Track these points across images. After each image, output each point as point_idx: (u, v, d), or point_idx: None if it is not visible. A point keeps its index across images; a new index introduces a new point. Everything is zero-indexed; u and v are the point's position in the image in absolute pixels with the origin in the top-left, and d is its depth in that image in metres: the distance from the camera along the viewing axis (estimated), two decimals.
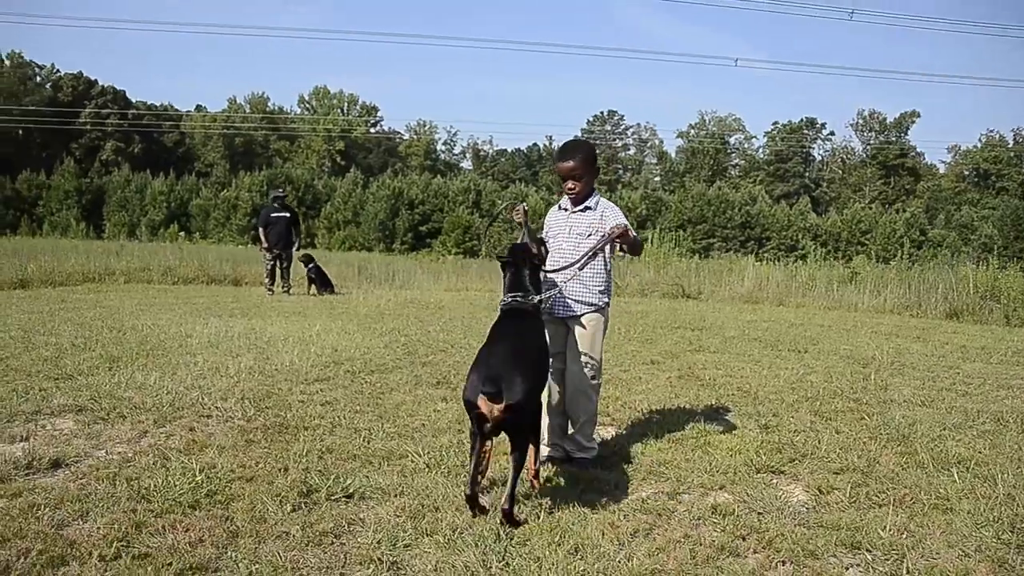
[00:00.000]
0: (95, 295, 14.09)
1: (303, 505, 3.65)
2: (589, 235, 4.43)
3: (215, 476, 3.94)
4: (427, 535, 3.35)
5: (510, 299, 4.07)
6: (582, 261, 4.27)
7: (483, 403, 3.41)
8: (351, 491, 3.85)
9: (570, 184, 4.46)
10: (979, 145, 78.43)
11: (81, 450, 4.39)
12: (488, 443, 3.57)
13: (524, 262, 4.16)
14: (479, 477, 3.59)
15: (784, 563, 3.20)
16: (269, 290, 16.04)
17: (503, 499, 3.48)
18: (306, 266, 16.81)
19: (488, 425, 3.46)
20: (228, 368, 6.83)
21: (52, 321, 9.71)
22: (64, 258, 18.88)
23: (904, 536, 3.45)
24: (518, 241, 4.47)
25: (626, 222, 4.38)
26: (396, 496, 3.82)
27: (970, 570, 3.14)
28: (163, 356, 7.38)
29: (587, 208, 4.49)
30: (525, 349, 3.83)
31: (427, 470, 4.22)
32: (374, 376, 6.91)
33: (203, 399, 5.64)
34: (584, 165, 4.45)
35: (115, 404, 5.39)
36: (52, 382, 6.04)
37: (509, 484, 3.47)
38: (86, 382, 6.06)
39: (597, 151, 4.93)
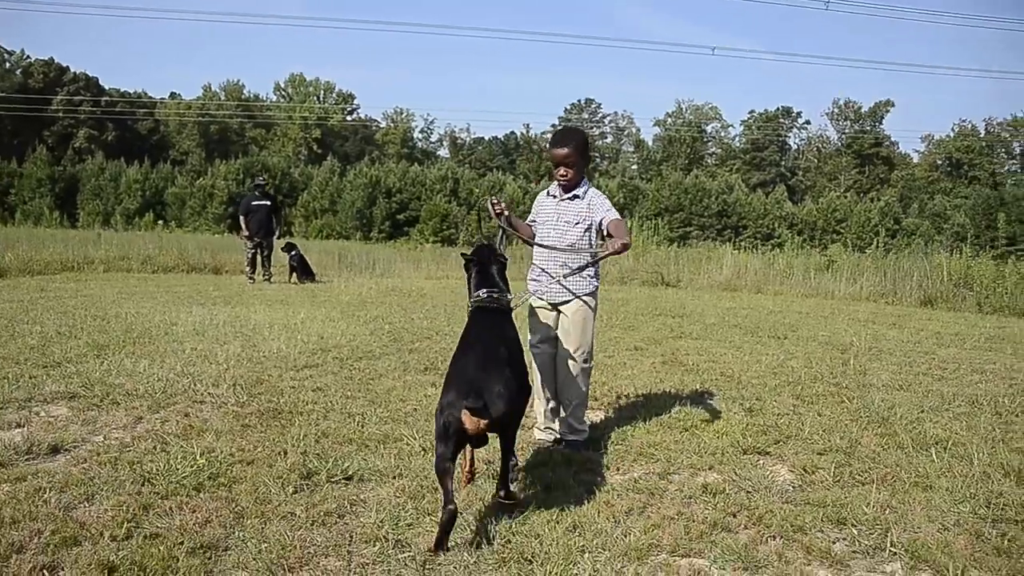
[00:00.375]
0: (75, 284, 14.01)
1: (305, 487, 3.73)
2: (577, 223, 4.52)
3: (215, 460, 4.00)
4: (428, 515, 3.44)
5: (485, 294, 3.96)
6: (574, 269, 4.39)
7: (467, 419, 3.17)
8: (350, 473, 3.93)
9: (562, 171, 4.54)
10: (952, 135, 79.43)
11: (79, 436, 4.43)
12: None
13: (491, 260, 4.12)
14: (452, 506, 3.15)
15: (774, 538, 3.32)
16: (250, 278, 16.00)
17: (497, 486, 3.56)
18: (288, 254, 16.79)
19: (473, 439, 3.30)
20: (216, 355, 6.87)
21: (34, 309, 9.68)
22: (41, 247, 18.72)
23: (887, 512, 3.60)
24: (496, 234, 4.44)
25: (616, 215, 4.49)
26: (395, 478, 3.91)
27: (949, 543, 3.28)
28: (150, 344, 7.40)
29: (576, 196, 4.58)
30: (507, 350, 3.63)
31: (423, 453, 4.31)
32: (362, 363, 6.98)
33: (195, 385, 5.69)
34: (577, 152, 4.53)
35: (107, 391, 5.42)
36: (42, 369, 6.05)
37: (501, 472, 3.54)
38: (75, 369, 6.09)
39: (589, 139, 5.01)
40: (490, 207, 4.41)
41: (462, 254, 4.24)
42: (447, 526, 3.12)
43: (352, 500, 3.60)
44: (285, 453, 4.20)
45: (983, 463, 4.30)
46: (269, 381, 6.05)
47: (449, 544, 3.13)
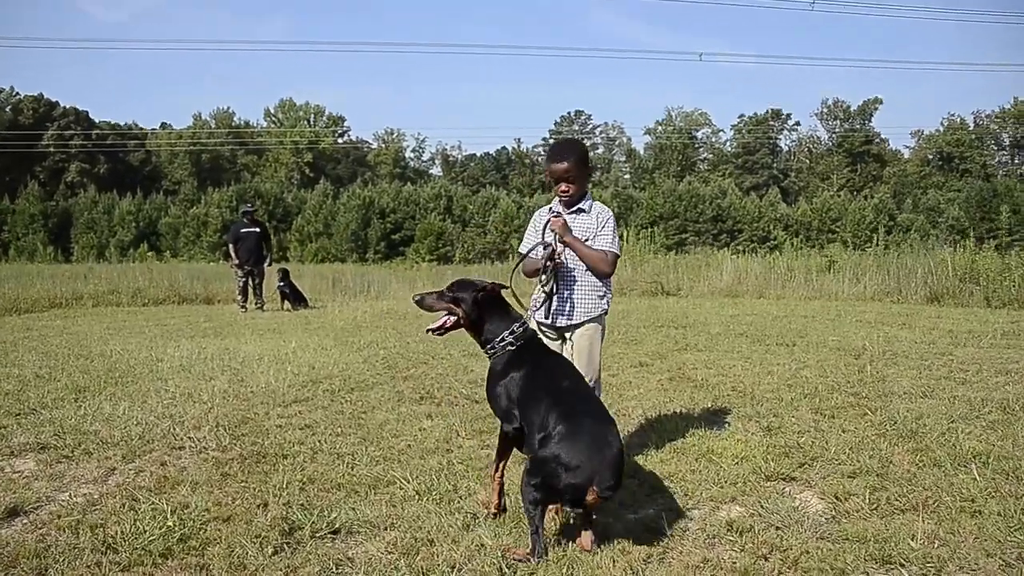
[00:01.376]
0: (62, 321, 13.64)
1: (285, 546, 3.34)
2: (586, 240, 4.17)
3: (188, 518, 3.62)
4: (423, 574, 3.06)
5: (520, 329, 3.59)
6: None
7: (593, 496, 3.08)
8: (337, 526, 3.55)
9: (563, 187, 4.19)
10: (941, 129, 79.31)
11: (42, 494, 4.05)
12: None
13: (489, 292, 3.66)
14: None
15: None
16: (242, 307, 15.66)
17: (587, 542, 3.27)
18: (280, 281, 16.46)
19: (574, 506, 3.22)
20: (201, 393, 6.52)
21: (16, 351, 9.30)
22: (29, 284, 18.39)
23: (936, 545, 3.20)
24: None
25: (616, 250, 4.18)
26: (386, 529, 3.53)
27: None
28: (132, 383, 7.04)
29: (580, 211, 4.24)
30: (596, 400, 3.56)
31: (417, 498, 3.94)
32: (354, 394, 6.62)
33: (175, 429, 5.32)
34: (578, 166, 4.18)
35: (80, 439, 5.05)
36: (13, 418, 5.68)
37: (590, 530, 3.30)
38: (50, 416, 5.72)
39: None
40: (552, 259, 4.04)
41: (451, 299, 3.70)
42: None
43: (337, 559, 3.21)
44: (266, 505, 3.82)
45: None
46: (255, 420, 5.68)
47: None
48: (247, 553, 3.24)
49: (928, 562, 3.06)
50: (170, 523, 3.52)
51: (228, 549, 3.28)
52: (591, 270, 4.18)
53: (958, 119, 79.02)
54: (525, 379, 3.49)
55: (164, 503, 3.81)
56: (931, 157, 79.72)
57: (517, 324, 3.61)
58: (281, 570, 3.11)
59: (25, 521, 3.69)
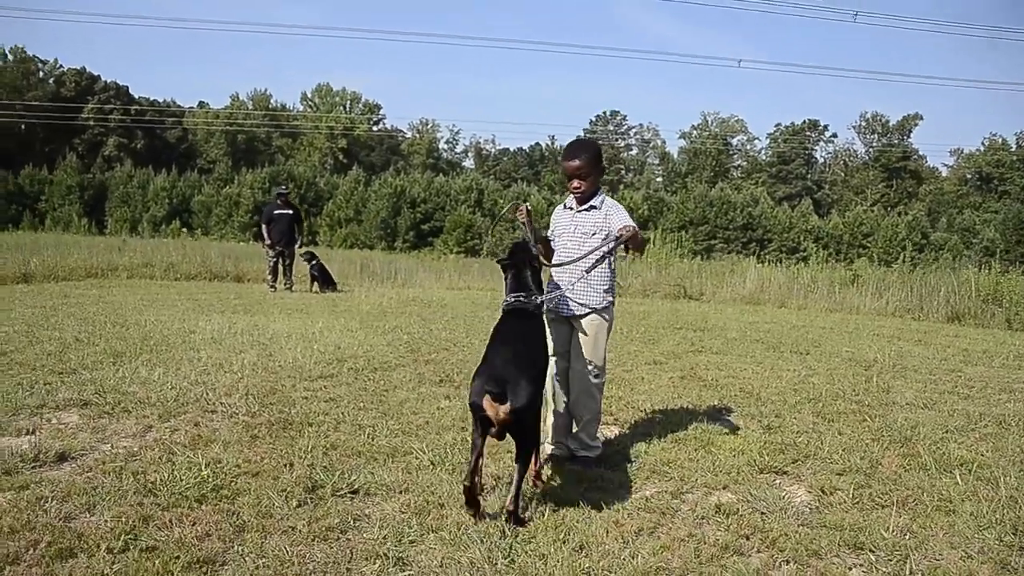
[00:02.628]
0: (98, 291, 14.09)
1: (309, 500, 3.67)
2: (594, 234, 4.44)
3: (220, 471, 3.96)
4: (432, 531, 3.37)
5: (513, 299, 4.08)
6: (591, 264, 4.26)
7: (488, 404, 3.42)
8: (356, 487, 3.87)
9: (575, 183, 4.47)
10: (982, 148, 78.38)
11: (87, 444, 4.41)
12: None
13: (525, 263, 4.19)
14: (476, 478, 3.60)
15: (788, 562, 3.22)
16: (271, 287, 16.05)
17: (508, 500, 3.50)
18: (309, 263, 16.81)
19: (493, 428, 3.47)
20: (232, 364, 6.85)
21: (55, 316, 9.72)
22: (67, 253, 18.88)
23: (907, 537, 3.47)
24: (520, 240, 4.47)
25: (632, 222, 4.39)
26: (401, 493, 3.84)
27: (973, 571, 3.16)
28: (167, 352, 7.39)
29: (592, 207, 4.50)
30: (528, 351, 3.85)
31: (431, 467, 4.24)
32: (377, 374, 6.93)
33: (207, 395, 5.66)
34: (590, 164, 4.46)
35: (119, 399, 5.40)
36: (56, 376, 6.05)
37: (514, 486, 3.50)
38: (90, 376, 6.08)
39: (602, 150, 4.93)
40: (518, 215, 4.44)
41: (498, 259, 4.31)
42: (466, 498, 3.50)
43: (356, 515, 3.53)
44: (292, 465, 4.14)
45: (1010, 487, 4.13)
46: (282, 391, 6.01)
47: (454, 558, 3.07)
48: (274, 504, 3.57)
49: (896, 550, 3.33)
50: (204, 474, 3.85)
51: (256, 499, 3.61)
52: (637, 249, 4.43)
53: (1000, 140, 78.12)
54: (491, 334, 4.02)
55: (199, 457, 4.15)
56: (969, 176, 78.87)
57: (513, 296, 4.12)
58: (305, 520, 3.43)
59: (73, 465, 4.05)
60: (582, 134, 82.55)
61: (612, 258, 4.49)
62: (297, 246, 16.57)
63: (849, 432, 5.40)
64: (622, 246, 4.30)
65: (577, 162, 4.44)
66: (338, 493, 3.78)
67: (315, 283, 16.71)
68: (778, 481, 4.30)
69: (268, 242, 16.17)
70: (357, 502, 3.72)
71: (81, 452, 4.26)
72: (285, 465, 4.14)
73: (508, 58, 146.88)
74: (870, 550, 3.33)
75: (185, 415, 5.14)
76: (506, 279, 4.23)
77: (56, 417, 4.95)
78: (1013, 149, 77.51)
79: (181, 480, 3.76)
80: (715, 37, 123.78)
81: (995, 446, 5.14)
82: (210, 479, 3.81)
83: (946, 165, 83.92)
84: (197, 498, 3.58)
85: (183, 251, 21.09)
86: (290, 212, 16.42)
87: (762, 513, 3.74)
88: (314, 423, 5.08)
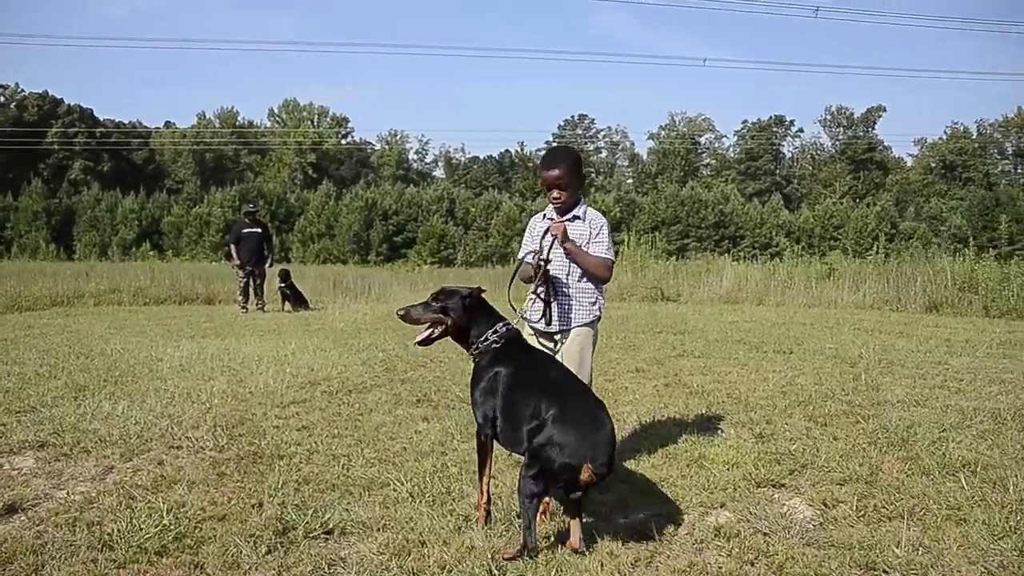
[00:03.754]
0: (63, 319, 13.68)
1: (279, 546, 3.39)
2: (579, 246, 4.22)
3: (184, 516, 3.67)
4: (413, 574, 3.11)
5: (504, 328, 3.66)
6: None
7: (587, 472, 3.15)
8: (330, 526, 3.60)
9: (555, 193, 4.23)
10: (944, 137, 79.27)
11: (40, 491, 4.11)
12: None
13: (473, 297, 3.73)
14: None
15: None
16: (243, 308, 15.71)
17: (576, 541, 3.34)
18: (282, 282, 16.50)
19: (578, 493, 3.26)
20: (200, 393, 6.56)
21: (16, 349, 9.36)
22: (31, 281, 18.38)
23: (920, 553, 3.25)
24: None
25: (611, 256, 4.24)
26: (379, 530, 3.58)
27: None
28: (132, 382, 7.08)
29: (576, 217, 4.28)
30: (592, 395, 3.56)
31: (410, 499, 3.99)
32: (352, 396, 6.67)
33: (173, 428, 5.37)
34: (570, 173, 4.22)
35: (79, 438, 5.10)
36: (12, 416, 5.73)
37: (579, 526, 3.36)
38: (49, 414, 5.76)
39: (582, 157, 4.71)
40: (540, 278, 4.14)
41: (441, 309, 3.74)
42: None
43: (330, 559, 3.26)
44: (261, 505, 3.86)
45: (1019, 489, 3.93)
46: (253, 420, 5.73)
47: None
48: (241, 552, 3.29)
49: (911, 569, 3.10)
50: (166, 521, 3.57)
51: (222, 548, 3.33)
52: (589, 276, 4.23)
53: (961, 128, 79.03)
54: (513, 373, 3.52)
55: (160, 502, 3.86)
56: (934, 165, 79.74)
57: (501, 324, 3.68)
58: (274, 569, 3.16)
59: (23, 518, 3.74)
60: (551, 139, 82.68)
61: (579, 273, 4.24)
62: (267, 265, 16.26)
63: (844, 436, 5.20)
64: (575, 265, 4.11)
65: (556, 171, 4.21)
66: (311, 535, 3.51)
67: (287, 302, 16.41)
68: (777, 495, 4.08)
69: (237, 262, 15.84)
70: (332, 544, 3.45)
71: (34, 501, 3.95)
72: (254, 505, 3.87)
73: (474, 66, 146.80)
74: (884, 571, 3.11)
75: (148, 453, 4.85)
76: (470, 320, 3.70)
77: (9, 462, 4.64)
78: (975, 137, 78.49)
79: (141, 530, 3.47)
80: (680, 37, 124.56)
81: (994, 443, 4.97)
82: (172, 527, 3.52)
83: (911, 155, 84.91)
84: (157, 550, 3.29)
85: (151, 274, 20.65)
86: (259, 231, 16.13)
87: (764, 534, 3.51)
88: (285, 455, 4.81)
